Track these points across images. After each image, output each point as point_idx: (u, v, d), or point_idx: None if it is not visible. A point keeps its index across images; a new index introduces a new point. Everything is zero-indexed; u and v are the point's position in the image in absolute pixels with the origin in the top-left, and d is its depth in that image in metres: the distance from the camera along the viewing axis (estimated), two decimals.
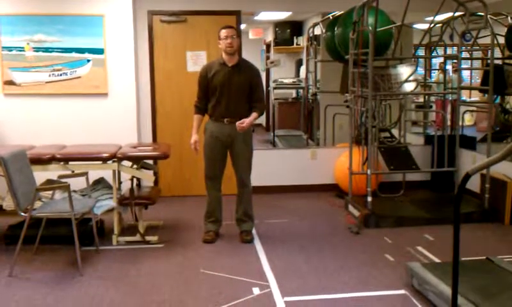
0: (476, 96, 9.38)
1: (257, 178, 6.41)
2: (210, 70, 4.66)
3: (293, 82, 9.94)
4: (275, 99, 10.04)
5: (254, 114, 4.63)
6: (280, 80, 9.95)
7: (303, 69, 9.55)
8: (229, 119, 4.63)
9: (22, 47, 5.94)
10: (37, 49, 5.95)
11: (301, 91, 9.78)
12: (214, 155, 4.74)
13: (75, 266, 4.10)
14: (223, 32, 4.59)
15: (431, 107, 7.94)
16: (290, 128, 9.77)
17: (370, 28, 5.29)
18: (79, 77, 6.02)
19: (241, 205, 4.86)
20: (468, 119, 9.83)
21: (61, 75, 5.99)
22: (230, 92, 4.62)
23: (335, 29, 6.24)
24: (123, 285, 3.88)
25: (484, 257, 3.97)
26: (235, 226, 4.95)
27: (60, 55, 5.97)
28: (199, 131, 4.79)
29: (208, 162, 4.77)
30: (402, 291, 3.69)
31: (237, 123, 4.52)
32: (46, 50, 5.95)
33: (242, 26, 9.77)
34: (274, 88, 9.92)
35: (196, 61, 6.35)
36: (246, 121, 4.54)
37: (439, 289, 3.35)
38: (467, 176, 2.94)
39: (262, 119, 11.51)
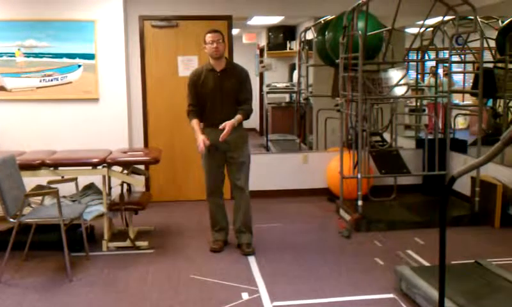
0: (470, 100, 9.41)
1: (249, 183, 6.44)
2: (199, 76, 4.57)
3: (286, 86, 9.96)
4: (268, 103, 10.05)
5: (238, 116, 4.47)
6: (273, 84, 9.97)
7: (296, 73, 9.57)
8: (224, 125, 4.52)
9: (13, 53, 5.93)
10: (28, 55, 5.95)
11: (294, 95, 9.79)
12: (215, 163, 4.63)
13: (65, 272, 4.09)
14: (209, 37, 4.50)
15: (424, 111, 7.96)
16: (283, 133, 9.77)
17: (360, 32, 5.31)
18: (70, 83, 6.01)
19: (239, 214, 4.68)
20: (461, 123, 9.86)
21: (52, 80, 5.99)
22: (222, 98, 4.53)
23: (326, 33, 6.26)
24: (113, 291, 3.87)
25: (473, 260, 3.97)
26: (234, 238, 4.81)
27: (51, 60, 5.96)
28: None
29: (210, 171, 4.65)
30: (390, 295, 3.70)
31: (221, 136, 4.35)
32: (37, 55, 5.95)
33: (236, 31, 9.82)
34: (268, 92, 9.93)
35: (188, 66, 6.35)
36: (227, 126, 4.35)
37: (426, 292, 3.35)
38: (452, 179, 2.96)
39: (256, 124, 11.54)
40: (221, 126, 4.38)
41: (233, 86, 4.56)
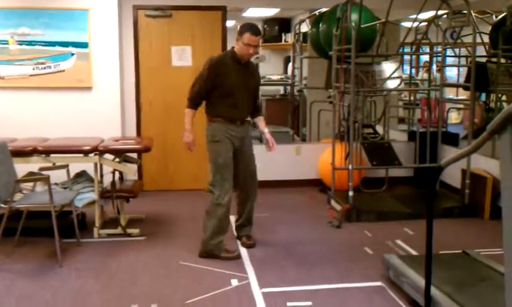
0: (464, 95, 9.44)
1: None
2: (221, 68, 4.16)
3: (280, 78, 9.97)
4: (262, 96, 10.03)
5: (263, 123, 4.49)
6: (267, 76, 9.98)
7: (290, 66, 9.58)
8: (241, 120, 4.30)
9: (6, 40, 5.92)
10: (21, 42, 5.94)
11: (288, 87, 9.81)
12: (230, 160, 4.25)
13: (56, 258, 4.10)
14: (249, 39, 4.08)
15: (418, 105, 7.99)
16: (277, 125, 9.76)
17: (353, 24, 5.33)
18: (63, 71, 6.01)
19: (245, 210, 4.51)
20: (455, 118, 9.91)
21: (44, 68, 5.98)
22: (244, 92, 4.24)
23: (320, 25, 6.27)
24: (103, 277, 3.89)
25: (461, 250, 4.01)
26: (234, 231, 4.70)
27: (44, 48, 5.95)
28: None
29: (229, 167, 4.23)
30: (378, 283, 3.74)
31: (270, 147, 4.42)
32: (30, 43, 5.94)
33: (232, 23, 9.82)
34: (262, 85, 9.91)
35: (181, 56, 6.36)
36: (273, 141, 4.43)
37: (413, 280, 3.38)
38: (440, 168, 2.99)
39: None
40: (270, 144, 4.41)
41: (252, 82, 4.34)
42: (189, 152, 4.49)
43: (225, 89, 4.16)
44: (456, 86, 8.38)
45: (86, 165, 4.98)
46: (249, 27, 4.14)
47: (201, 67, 4.29)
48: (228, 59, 4.20)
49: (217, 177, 4.18)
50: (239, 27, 4.24)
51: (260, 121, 4.53)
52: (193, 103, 4.24)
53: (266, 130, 4.48)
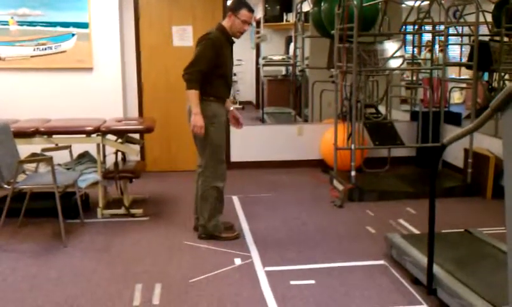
0: (466, 74, 9.39)
1: (244, 154, 6.48)
2: (222, 48, 4.02)
3: (282, 59, 9.91)
4: (264, 76, 10.00)
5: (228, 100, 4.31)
6: (269, 57, 9.91)
7: (292, 46, 9.53)
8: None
9: (6, 21, 5.89)
10: (21, 23, 5.91)
11: (290, 68, 9.76)
12: (225, 141, 4.29)
13: (60, 238, 4.13)
14: (247, 16, 3.97)
15: (420, 85, 7.96)
16: (280, 106, 9.75)
17: (355, 3, 5.29)
18: (64, 52, 5.99)
19: None
20: (457, 98, 9.87)
21: (45, 49, 5.96)
22: (231, 71, 4.22)
23: (322, 4, 6.23)
24: (107, 256, 3.91)
25: (463, 229, 4.02)
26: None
27: (44, 29, 5.93)
28: None
29: (223, 150, 4.22)
30: (381, 262, 3.75)
31: (240, 124, 4.36)
32: (30, 24, 5.91)
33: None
34: (264, 65, 9.88)
35: (182, 36, 6.33)
36: (241, 118, 4.37)
37: (416, 259, 3.40)
38: (442, 147, 2.99)
39: (252, 97, 11.52)
40: (241, 121, 4.34)
41: (233, 60, 4.28)
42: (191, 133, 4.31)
43: (223, 69, 4.07)
44: (459, 65, 8.34)
45: (89, 146, 5.00)
46: (243, 3, 3.99)
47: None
48: (224, 38, 4.05)
49: (213, 159, 4.12)
50: (230, 2, 4.08)
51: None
52: (198, 83, 3.94)
53: (232, 108, 4.37)
